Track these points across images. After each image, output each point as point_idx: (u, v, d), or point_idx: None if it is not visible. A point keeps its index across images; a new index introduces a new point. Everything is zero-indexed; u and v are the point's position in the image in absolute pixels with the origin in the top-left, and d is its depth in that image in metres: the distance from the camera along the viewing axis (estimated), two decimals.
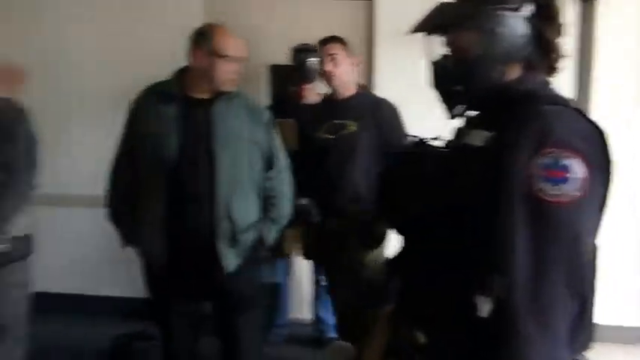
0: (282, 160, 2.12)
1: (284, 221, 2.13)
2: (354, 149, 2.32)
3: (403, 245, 1.12)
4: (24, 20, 3.32)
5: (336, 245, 2.36)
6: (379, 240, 2.32)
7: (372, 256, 2.33)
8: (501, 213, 0.87)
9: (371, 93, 2.62)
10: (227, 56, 1.88)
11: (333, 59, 2.36)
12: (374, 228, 2.29)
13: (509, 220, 0.86)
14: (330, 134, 2.36)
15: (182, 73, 1.96)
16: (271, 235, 2.09)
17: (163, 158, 1.87)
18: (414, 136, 1.15)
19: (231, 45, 1.90)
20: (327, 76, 2.40)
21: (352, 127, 2.34)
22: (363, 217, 2.26)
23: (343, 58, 2.38)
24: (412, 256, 1.06)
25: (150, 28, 3.25)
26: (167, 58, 2.08)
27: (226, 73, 1.90)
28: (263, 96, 3.09)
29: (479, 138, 0.97)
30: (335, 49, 2.38)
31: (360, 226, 2.29)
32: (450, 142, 1.13)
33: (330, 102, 2.47)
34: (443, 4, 1.08)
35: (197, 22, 2.08)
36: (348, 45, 2.44)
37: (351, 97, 2.42)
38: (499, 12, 1.01)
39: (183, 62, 1.97)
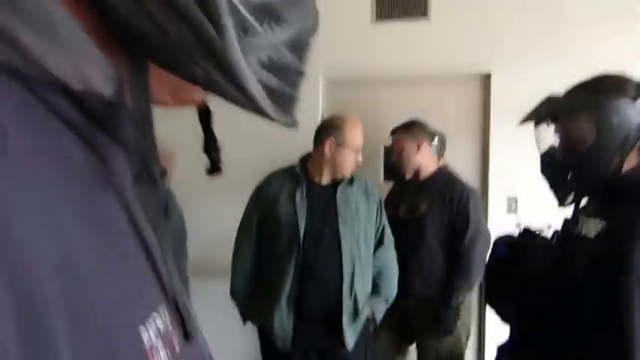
0: (390, 237, 2.19)
1: (392, 297, 2.17)
2: (423, 230, 2.35)
3: (514, 334, 1.11)
4: None
5: (408, 328, 2.43)
6: (450, 328, 2.28)
7: (448, 343, 2.31)
8: (619, 298, 0.86)
9: (450, 173, 2.65)
10: (354, 147, 2.04)
11: (400, 152, 2.52)
12: (442, 314, 2.28)
13: (627, 305, 0.85)
14: (406, 214, 2.42)
15: (306, 160, 2.15)
16: (382, 311, 2.13)
17: (291, 239, 2.03)
18: (520, 226, 1.16)
19: (358, 136, 2.08)
20: (398, 165, 2.54)
21: (423, 207, 2.37)
22: (432, 303, 2.26)
23: (411, 146, 2.50)
24: (525, 346, 1.05)
25: None
26: (292, 145, 2.32)
27: (351, 162, 2.05)
28: (379, 174, 3.24)
29: (593, 227, 0.96)
30: (401, 142, 2.54)
31: (430, 312, 2.31)
32: (560, 230, 1.12)
33: (410, 182, 2.56)
34: (553, 95, 1.10)
35: (316, 111, 2.28)
36: (420, 127, 2.55)
37: (429, 178, 2.51)
38: (615, 102, 0.99)
39: (303, 150, 2.18)
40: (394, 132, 2.62)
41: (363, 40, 3.43)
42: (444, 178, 2.55)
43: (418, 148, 2.53)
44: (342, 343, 2.01)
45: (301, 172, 2.11)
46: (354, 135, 2.08)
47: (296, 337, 2.03)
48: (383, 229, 2.18)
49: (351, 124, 2.09)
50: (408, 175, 2.55)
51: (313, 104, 3.56)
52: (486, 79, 3.24)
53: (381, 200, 2.21)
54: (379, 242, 2.17)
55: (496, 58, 3.17)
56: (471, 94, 3.29)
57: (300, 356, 2.05)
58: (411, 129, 2.56)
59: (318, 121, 3.51)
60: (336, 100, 3.56)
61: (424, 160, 2.55)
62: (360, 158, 2.11)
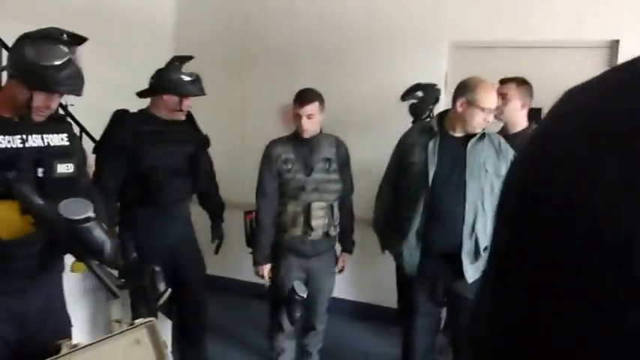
0: None
1: None
2: None
3: None
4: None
5: None
6: None
7: None
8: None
9: None
10: (484, 108, 2.28)
11: (504, 101, 2.68)
12: None
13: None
14: None
15: (444, 115, 2.43)
16: None
17: (421, 183, 2.34)
18: None
19: (488, 99, 2.30)
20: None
21: None
22: None
23: (517, 102, 2.68)
24: None
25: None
26: None
27: (479, 121, 2.31)
28: None
29: None
30: (508, 92, 2.71)
31: None
32: None
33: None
34: None
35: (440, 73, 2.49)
36: (529, 89, 2.72)
37: (518, 134, 2.68)
38: None
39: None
40: (505, 81, 2.77)
41: (489, 5, 3.57)
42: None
43: (522, 106, 2.71)
44: (463, 277, 2.31)
45: (437, 126, 2.39)
46: (485, 97, 2.29)
47: (422, 266, 2.36)
48: None
49: (484, 87, 2.31)
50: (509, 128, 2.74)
51: (438, 66, 3.78)
52: (614, 45, 3.26)
53: (515, 158, 2.41)
54: None
55: (624, 23, 3.17)
56: (597, 61, 3.33)
57: (427, 282, 2.39)
58: (522, 85, 2.74)
59: (442, 82, 3.75)
60: (460, 63, 3.74)
61: (520, 119, 2.73)
62: (490, 118, 2.34)
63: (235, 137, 3.68)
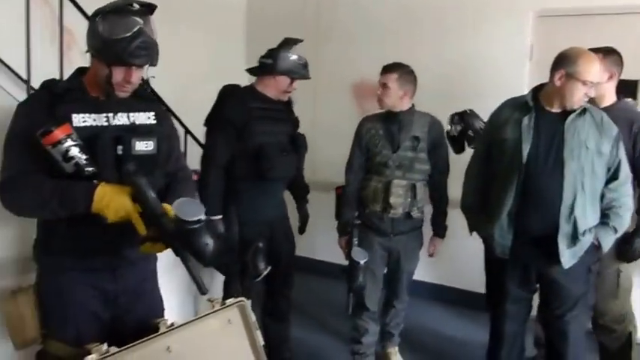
0: (626, 172, 2.22)
1: (622, 227, 2.23)
2: None
3: None
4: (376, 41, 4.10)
5: None
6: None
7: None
8: None
9: (631, 107, 2.58)
10: (585, 82, 2.10)
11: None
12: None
13: None
14: None
15: (539, 89, 2.26)
16: (608, 240, 2.22)
17: (514, 161, 2.20)
18: None
19: (590, 72, 2.10)
20: None
21: None
22: None
23: (602, 74, 2.37)
24: None
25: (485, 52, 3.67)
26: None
27: (579, 96, 2.13)
28: None
29: None
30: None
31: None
32: None
33: None
34: None
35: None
36: (617, 59, 2.48)
37: (609, 107, 2.43)
38: None
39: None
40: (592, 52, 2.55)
41: None
42: (625, 108, 2.51)
43: (610, 77, 2.48)
44: (558, 262, 2.17)
45: (532, 101, 2.23)
46: (587, 70, 2.10)
47: (514, 249, 2.23)
48: (618, 164, 2.20)
49: (587, 58, 2.12)
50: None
51: (521, 38, 3.56)
52: None
53: (618, 135, 2.20)
54: (613, 177, 2.21)
55: None
56: None
57: (519, 266, 2.26)
58: (610, 55, 2.50)
59: (526, 54, 3.53)
60: (546, 34, 3.51)
61: (607, 92, 2.49)
62: (592, 93, 2.15)
63: (307, 115, 3.62)
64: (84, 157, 1.50)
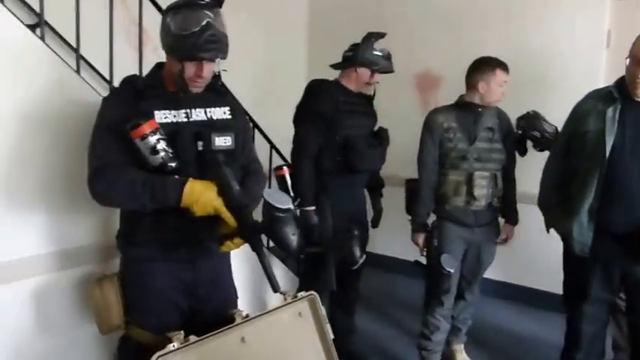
0: None
1: None
2: None
3: None
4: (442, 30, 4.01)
5: None
6: None
7: None
8: None
9: None
10: None
11: None
12: None
13: None
14: None
15: (623, 79, 2.12)
16: None
17: (596, 154, 2.08)
18: None
19: None
20: None
21: None
22: None
23: None
24: None
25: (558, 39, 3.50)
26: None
27: None
28: None
29: None
30: None
31: None
32: None
33: None
34: None
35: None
36: None
37: None
38: None
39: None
40: None
41: None
42: None
43: None
44: None
45: (617, 91, 2.10)
46: None
47: (595, 247, 2.11)
48: None
49: None
50: None
51: (597, 24, 3.37)
52: None
53: None
54: None
55: None
56: None
57: (600, 264, 2.15)
58: None
59: (603, 41, 3.34)
60: (626, 19, 3.30)
61: None
62: None
63: None
64: (170, 151, 1.55)
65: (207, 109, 1.71)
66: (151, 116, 1.59)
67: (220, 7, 1.60)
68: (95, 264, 2.05)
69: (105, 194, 1.58)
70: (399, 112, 3.91)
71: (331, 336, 1.92)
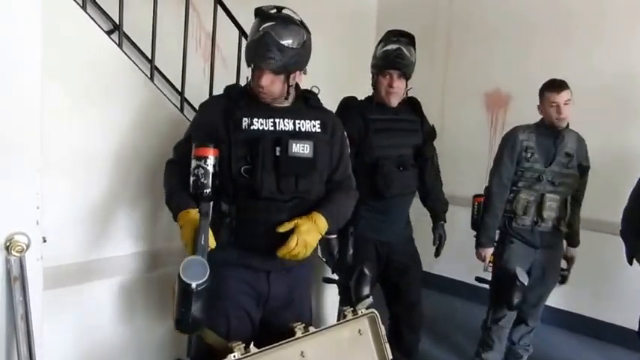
0: None
1: None
2: None
3: None
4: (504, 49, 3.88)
5: None
6: None
7: None
8: None
9: None
10: None
11: None
12: None
13: None
14: None
15: None
16: None
17: None
18: None
19: None
20: None
21: None
22: None
23: None
24: None
25: None
26: None
27: None
28: None
29: None
30: None
31: None
32: None
33: None
34: None
35: None
36: None
37: None
38: None
39: None
40: None
41: None
42: None
43: None
44: None
45: None
46: None
47: None
48: None
49: None
50: None
51: None
52: None
53: None
54: None
55: None
56: None
57: None
58: None
59: None
60: None
61: None
62: None
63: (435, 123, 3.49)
64: (205, 182, 1.62)
65: (297, 121, 1.73)
66: (238, 124, 1.66)
67: (281, 19, 1.62)
68: (177, 266, 2.10)
69: (163, 185, 1.77)
70: (464, 130, 3.81)
71: (390, 356, 1.88)
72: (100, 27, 1.95)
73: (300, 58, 1.67)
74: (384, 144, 2.29)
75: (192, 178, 1.62)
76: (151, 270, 2.15)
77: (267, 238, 1.66)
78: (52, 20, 1.60)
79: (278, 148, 1.65)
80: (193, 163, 1.62)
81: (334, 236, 2.27)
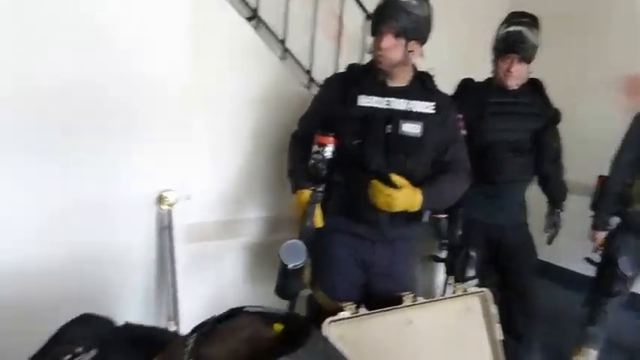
0: None
1: None
2: None
3: None
4: None
5: None
6: None
7: None
8: None
9: None
10: None
11: None
12: None
13: None
14: None
15: None
16: None
17: None
18: None
19: None
20: None
21: None
22: None
23: None
24: None
25: None
26: None
27: None
28: None
29: None
30: None
31: None
32: None
33: None
34: None
35: None
36: None
37: None
38: None
39: None
40: None
41: None
42: None
43: None
44: None
45: None
46: None
47: None
48: None
49: None
50: None
51: None
52: None
53: None
54: None
55: None
56: None
57: None
58: None
59: None
60: None
61: None
62: None
63: (565, 111, 3.29)
64: (322, 167, 1.75)
65: (410, 101, 1.78)
66: (354, 101, 1.77)
67: None
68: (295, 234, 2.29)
69: (287, 158, 1.93)
70: (597, 115, 3.54)
71: (500, 337, 1.88)
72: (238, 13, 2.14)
73: (420, 27, 1.71)
74: (499, 127, 2.23)
75: (311, 161, 1.75)
76: (274, 234, 2.32)
77: (372, 209, 1.74)
78: (198, 7, 1.84)
79: (389, 126, 1.73)
80: (314, 147, 1.75)
81: (444, 216, 2.27)
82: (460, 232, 2.25)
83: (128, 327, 0.88)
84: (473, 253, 2.18)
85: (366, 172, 1.73)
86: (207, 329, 0.73)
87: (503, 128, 2.24)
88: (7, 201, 1.56)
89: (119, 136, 1.72)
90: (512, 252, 2.36)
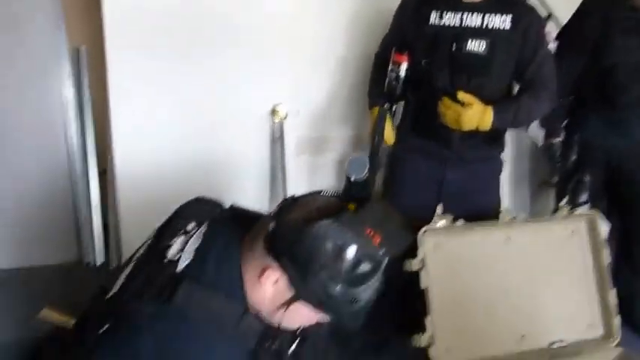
0: None
1: None
2: None
3: None
4: None
5: None
6: None
7: None
8: None
9: None
10: None
11: None
12: None
13: None
14: None
15: None
16: None
17: None
18: None
19: None
20: None
21: None
22: None
23: None
24: None
25: None
26: None
27: None
28: None
29: None
30: None
31: None
32: None
33: None
34: None
35: None
36: None
37: None
38: None
39: None
40: None
41: None
42: None
43: None
44: None
45: None
46: None
47: None
48: None
49: None
50: None
51: None
52: None
53: None
54: None
55: None
56: None
57: None
58: None
59: None
60: None
61: None
62: None
63: None
64: (396, 84, 1.73)
65: (487, 15, 1.70)
66: (426, 18, 1.73)
67: None
68: None
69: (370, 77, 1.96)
70: None
71: (608, 261, 1.80)
72: None
73: None
74: (631, 45, 2.00)
75: (387, 80, 1.76)
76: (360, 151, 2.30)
77: (443, 127, 1.73)
78: None
79: (455, 44, 1.68)
80: (390, 65, 1.75)
81: (559, 139, 2.18)
82: (574, 157, 2.16)
83: (234, 208, 1.03)
84: (585, 179, 2.08)
85: (434, 91, 1.72)
86: (289, 202, 0.86)
87: (633, 47, 2.01)
88: (167, 113, 1.89)
89: (237, 54, 1.92)
90: (633, 178, 2.20)
